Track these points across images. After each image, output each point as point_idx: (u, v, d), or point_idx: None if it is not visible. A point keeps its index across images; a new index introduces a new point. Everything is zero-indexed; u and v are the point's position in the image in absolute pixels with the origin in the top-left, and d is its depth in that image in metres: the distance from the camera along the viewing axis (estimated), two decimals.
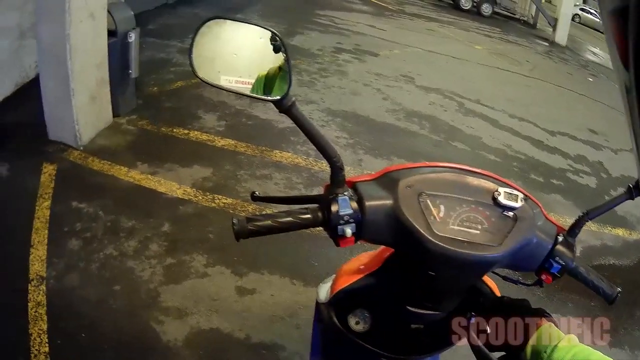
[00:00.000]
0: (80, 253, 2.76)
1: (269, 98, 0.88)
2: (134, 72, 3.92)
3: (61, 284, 2.54)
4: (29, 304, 2.39)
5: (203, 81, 0.93)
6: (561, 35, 13.20)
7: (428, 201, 0.91)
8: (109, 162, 3.53)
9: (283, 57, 0.91)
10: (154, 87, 4.66)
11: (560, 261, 0.95)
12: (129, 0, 4.49)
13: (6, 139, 3.79)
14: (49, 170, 3.40)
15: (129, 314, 2.45)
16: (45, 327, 2.29)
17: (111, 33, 3.77)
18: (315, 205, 0.93)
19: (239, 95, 0.96)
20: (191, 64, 0.92)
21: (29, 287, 2.48)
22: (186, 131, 4.06)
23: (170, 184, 3.43)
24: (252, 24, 0.93)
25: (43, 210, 3.03)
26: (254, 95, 0.92)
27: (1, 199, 3.16)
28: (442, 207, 0.91)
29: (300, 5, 9.93)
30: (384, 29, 9.41)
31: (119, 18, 3.81)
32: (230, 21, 0.96)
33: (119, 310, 2.46)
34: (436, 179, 0.94)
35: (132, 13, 3.99)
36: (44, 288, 2.48)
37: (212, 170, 3.65)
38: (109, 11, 3.70)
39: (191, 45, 0.92)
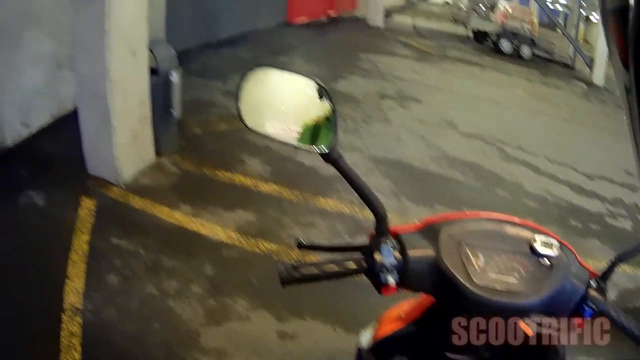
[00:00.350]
0: (118, 289, 2.76)
1: (315, 148, 0.91)
2: (176, 112, 3.95)
3: (97, 317, 2.53)
4: (61, 332, 2.38)
5: (249, 128, 0.96)
6: (598, 75, 12.98)
7: (468, 251, 0.93)
8: (151, 201, 3.54)
9: (328, 107, 0.93)
10: (197, 128, 4.72)
11: (593, 306, 0.95)
12: (172, 38, 4.62)
13: (44, 170, 3.86)
14: (87, 205, 3.43)
15: (167, 352, 2.43)
16: (78, 357, 2.28)
17: (153, 71, 3.81)
18: (359, 254, 0.96)
19: (282, 143, 0.97)
20: (238, 111, 0.96)
21: (63, 317, 2.47)
22: (230, 174, 4.07)
23: (213, 227, 3.40)
24: (297, 74, 0.95)
25: (81, 243, 3.04)
26: (300, 145, 0.94)
27: (37, 229, 3.19)
28: (481, 257, 0.93)
29: (342, 49, 10.11)
30: (427, 74, 9.46)
31: (161, 56, 3.87)
32: (276, 70, 0.98)
33: (156, 347, 2.44)
34: (476, 229, 0.98)
35: (174, 52, 4.05)
36: (79, 320, 2.47)
37: (256, 215, 3.63)
38: (150, 49, 3.76)
39: (238, 92, 0.95)
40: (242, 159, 4.37)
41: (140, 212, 3.45)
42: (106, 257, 2.98)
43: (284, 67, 0.99)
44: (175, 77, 3.88)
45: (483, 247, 0.94)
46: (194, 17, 7.59)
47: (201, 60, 6.82)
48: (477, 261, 0.92)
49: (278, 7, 10.26)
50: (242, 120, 0.95)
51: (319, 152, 0.90)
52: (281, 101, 0.98)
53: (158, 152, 3.99)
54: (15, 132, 4.57)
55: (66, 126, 4.68)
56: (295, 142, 0.94)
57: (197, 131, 4.71)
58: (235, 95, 0.94)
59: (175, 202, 3.58)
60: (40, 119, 4.83)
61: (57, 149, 4.22)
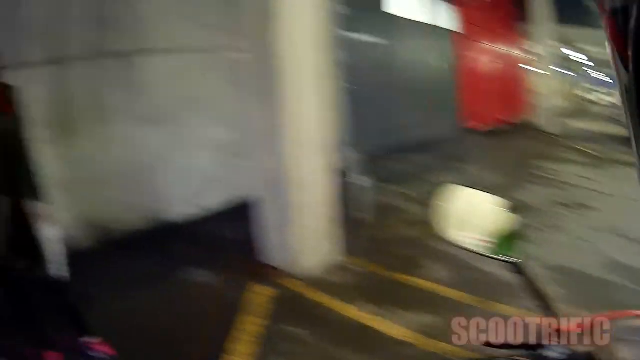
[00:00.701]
0: None
1: (503, 258, 1.00)
2: (364, 214, 4.01)
3: None
4: None
5: (441, 237, 1.09)
6: None
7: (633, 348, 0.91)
8: (328, 296, 3.54)
9: (514, 220, 1.02)
10: (381, 231, 4.73)
11: None
12: (361, 142, 4.80)
13: (212, 251, 4.12)
14: (262, 291, 3.56)
15: None
16: None
17: (342, 173, 3.95)
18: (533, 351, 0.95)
19: (471, 252, 1.05)
20: (430, 220, 1.14)
21: None
22: (410, 277, 3.96)
23: (390, 325, 3.28)
24: (484, 191, 1.09)
25: (251, 325, 3.14)
26: (487, 254, 1.03)
27: (199, 305, 3.38)
28: None
29: (515, 155, 9.96)
30: (596, 180, 8.70)
31: (351, 159, 4.02)
32: (464, 187, 1.13)
33: None
34: None
35: (364, 156, 4.18)
36: None
37: (435, 317, 3.40)
38: (339, 151, 3.91)
39: (431, 204, 1.16)
40: (423, 263, 4.24)
41: (317, 305, 3.46)
42: (271, 340, 3.03)
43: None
44: (365, 180, 3.96)
45: None
46: (379, 124, 7.74)
47: (384, 165, 6.92)
48: None
49: (454, 115, 10.38)
50: (434, 229, 1.09)
51: (507, 261, 0.98)
52: (470, 214, 1.09)
53: (342, 251, 4.00)
54: (186, 211, 5.03)
55: (240, 213, 5.03)
56: (483, 251, 1.03)
57: (381, 234, 4.70)
58: (427, 206, 1.17)
59: (352, 299, 3.53)
60: (213, 202, 5.27)
61: (229, 233, 4.52)
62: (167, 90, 4.91)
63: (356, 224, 4.10)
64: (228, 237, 4.46)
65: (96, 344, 2.83)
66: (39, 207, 2.66)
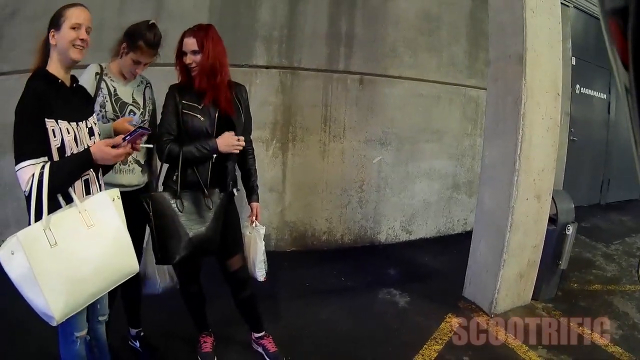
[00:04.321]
0: None
1: None
2: (563, 263, 3.99)
3: None
4: None
5: None
6: None
7: None
8: (513, 337, 3.56)
9: None
10: (574, 283, 4.60)
11: None
12: (573, 193, 4.72)
13: (414, 276, 4.27)
14: (452, 321, 3.66)
15: None
16: None
17: (551, 220, 3.92)
18: None
19: None
20: (638, 274, 1.03)
21: None
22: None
23: None
24: None
25: (431, 350, 3.26)
26: None
27: (389, 324, 3.56)
28: None
29: None
30: None
31: (562, 207, 3.98)
32: None
33: None
34: None
35: (573, 206, 4.16)
36: None
37: None
38: (553, 198, 3.88)
39: (639, 263, 1.03)
40: (604, 318, 4.03)
41: (499, 343, 3.48)
42: None
43: None
44: (570, 230, 3.96)
45: None
46: (590, 177, 7.65)
47: (588, 219, 6.67)
48: None
49: None
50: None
51: None
52: None
53: (535, 296, 4.01)
54: (393, 233, 5.27)
55: (448, 245, 5.18)
56: None
57: (573, 285, 4.58)
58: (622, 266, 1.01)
59: (534, 344, 3.50)
60: (424, 230, 5.44)
61: (433, 262, 4.68)
62: (402, 115, 5.18)
63: (551, 270, 4.10)
64: (432, 266, 4.66)
65: (263, 340, 2.99)
66: (251, 205, 2.84)
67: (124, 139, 2.03)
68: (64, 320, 1.80)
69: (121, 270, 1.98)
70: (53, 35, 1.97)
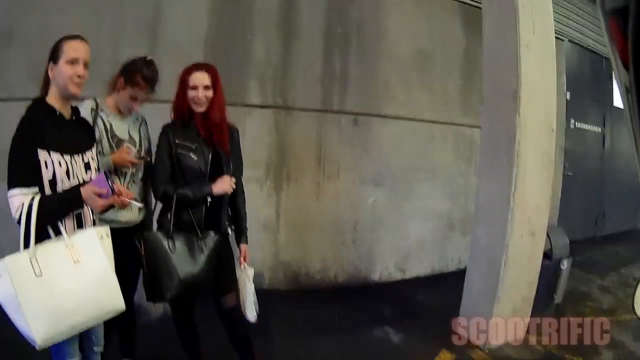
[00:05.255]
0: None
1: None
2: (558, 297, 4.00)
3: None
4: None
5: None
6: None
7: None
8: None
9: None
10: (569, 316, 4.63)
11: None
12: (567, 227, 4.73)
13: (407, 314, 4.26)
14: (445, 357, 3.65)
15: None
16: None
17: (546, 256, 3.93)
18: None
19: None
20: (633, 305, 1.16)
21: None
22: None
23: None
24: None
25: None
26: None
27: None
28: None
29: None
30: None
31: (557, 243, 4.01)
32: None
33: None
34: None
35: (568, 240, 4.17)
36: None
37: None
38: (548, 234, 3.90)
39: (634, 291, 1.15)
40: (600, 350, 4.02)
41: None
42: None
43: None
44: (565, 264, 3.97)
45: None
46: (584, 211, 7.69)
47: (583, 252, 6.65)
48: None
49: None
50: (635, 312, 1.13)
51: None
52: None
53: (528, 330, 3.99)
54: (387, 272, 5.24)
55: (442, 283, 5.15)
56: None
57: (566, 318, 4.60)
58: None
59: None
60: (418, 268, 5.42)
61: (428, 300, 4.67)
62: (396, 155, 5.21)
63: (546, 304, 4.09)
64: (426, 304, 4.66)
65: None
66: (240, 247, 2.82)
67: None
68: (46, 346, 1.84)
69: (104, 307, 1.99)
70: (52, 69, 1.99)
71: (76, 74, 1.97)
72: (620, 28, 0.50)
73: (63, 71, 1.96)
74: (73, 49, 1.98)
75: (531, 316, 3.96)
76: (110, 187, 1.96)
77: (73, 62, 1.97)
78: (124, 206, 2.22)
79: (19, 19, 3.86)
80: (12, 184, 1.88)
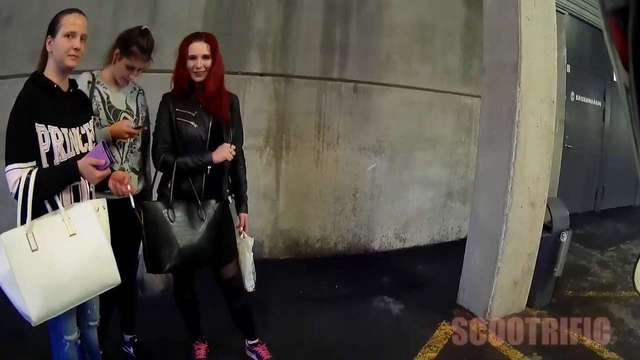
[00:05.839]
0: None
1: None
2: (558, 270, 3.99)
3: None
4: None
5: None
6: None
7: None
8: (507, 344, 3.54)
9: None
10: (568, 290, 4.59)
11: None
12: (567, 200, 4.72)
13: (407, 284, 4.27)
14: (446, 329, 3.66)
15: None
16: None
17: (546, 228, 3.92)
18: None
19: None
20: (633, 281, 1.13)
21: None
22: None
23: None
24: None
25: (425, 358, 3.26)
26: None
27: (383, 332, 3.57)
28: None
29: None
30: None
31: (556, 215, 3.97)
32: None
33: None
34: None
35: (568, 213, 4.15)
36: None
37: None
38: (548, 205, 3.88)
39: (635, 266, 1.12)
40: (598, 326, 4.06)
41: (494, 350, 3.49)
42: None
43: None
44: (565, 238, 3.95)
45: None
46: (584, 185, 7.70)
47: (583, 226, 6.68)
48: None
49: None
50: (635, 288, 1.10)
51: None
52: None
53: (529, 304, 4.00)
54: (386, 241, 5.26)
55: (442, 253, 5.15)
56: None
57: (567, 293, 4.58)
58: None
59: (529, 351, 3.50)
60: (418, 238, 5.44)
61: (427, 271, 4.68)
62: (396, 123, 5.19)
63: (546, 277, 4.10)
64: (426, 274, 4.66)
65: (256, 347, 3.01)
66: (240, 216, 2.82)
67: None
68: (41, 321, 1.84)
69: (100, 281, 2.00)
70: (49, 42, 1.99)
71: (73, 47, 1.97)
72: (620, 28, 0.50)
73: (60, 44, 1.96)
74: (70, 23, 1.98)
75: (531, 289, 3.97)
76: (108, 157, 1.96)
77: (70, 35, 1.97)
78: (118, 194, 2.20)
79: None
80: (9, 159, 1.89)
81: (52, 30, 1.99)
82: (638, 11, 0.47)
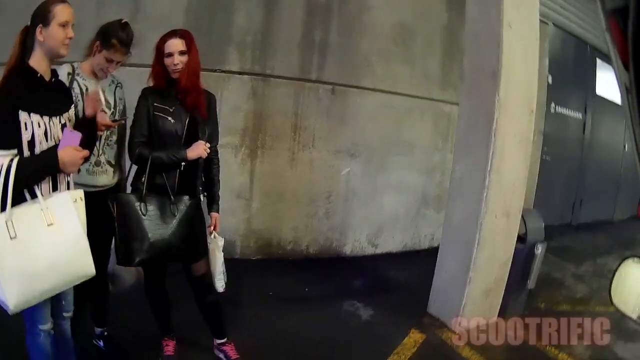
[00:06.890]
0: None
1: None
2: (531, 283, 3.96)
3: None
4: None
5: (618, 310, 1.11)
6: None
7: None
8: (478, 354, 3.50)
9: None
10: (542, 302, 4.56)
11: None
12: (543, 211, 4.69)
13: (377, 289, 4.25)
14: (415, 337, 3.61)
15: None
16: None
17: (520, 239, 3.88)
18: None
19: None
20: (610, 294, 1.12)
21: None
22: (556, 352, 3.80)
23: None
24: None
25: None
26: None
27: (352, 337, 3.54)
28: None
29: None
30: None
31: (531, 227, 3.94)
32: None
33: None
34: None
35: (543, 225, 4.13)
36: None
37: None
38: (523, 216, 3.85)
39: (611, 279, 1.11)
40: (571, 342, 4.04)
41: (462, 359, 3.46)
42: None
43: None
44: (539, 249, 3.92)
45: None
46: (562, 197, 7.74)
47: (558, 239, 6.67)
48: None
49: (631, 201, 9.61)
50: (612, 302, 1.09)
51: None
52: None
53: (501, 313, 3.95)
54: (359, 245, 5.22)
55: (414, 260, 5.10)
56: None
57: (541, 305, 4.56)
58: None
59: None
60: (390, 244, 5.40)
61: (398, 277, 4.64)
62: (372, 127, 5.15)
63: (519, 288, 4.07)
64: (398, 280, 4.62)
65: (224, 346, 3.00)
66: (211, 215, 2.85)
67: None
68: (19, 310, 1.88)
69: (76, 272, 2.02)
70: (41, 32, 1.99)
71: (67, 37, 2.01)
72: (620, 28, 0.50)
73: (55, 34, 1.99)
74: (64, 13, 2.01)
75: (503, 299, 3.93)
76: (78, 133, 2.03)
77: (64, 24, 2.00)
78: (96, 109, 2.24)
79: None
80: None
81: (44, 20, 1.99)
82: (638, 11, 0.47)
